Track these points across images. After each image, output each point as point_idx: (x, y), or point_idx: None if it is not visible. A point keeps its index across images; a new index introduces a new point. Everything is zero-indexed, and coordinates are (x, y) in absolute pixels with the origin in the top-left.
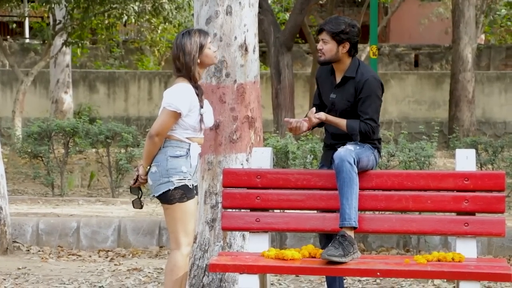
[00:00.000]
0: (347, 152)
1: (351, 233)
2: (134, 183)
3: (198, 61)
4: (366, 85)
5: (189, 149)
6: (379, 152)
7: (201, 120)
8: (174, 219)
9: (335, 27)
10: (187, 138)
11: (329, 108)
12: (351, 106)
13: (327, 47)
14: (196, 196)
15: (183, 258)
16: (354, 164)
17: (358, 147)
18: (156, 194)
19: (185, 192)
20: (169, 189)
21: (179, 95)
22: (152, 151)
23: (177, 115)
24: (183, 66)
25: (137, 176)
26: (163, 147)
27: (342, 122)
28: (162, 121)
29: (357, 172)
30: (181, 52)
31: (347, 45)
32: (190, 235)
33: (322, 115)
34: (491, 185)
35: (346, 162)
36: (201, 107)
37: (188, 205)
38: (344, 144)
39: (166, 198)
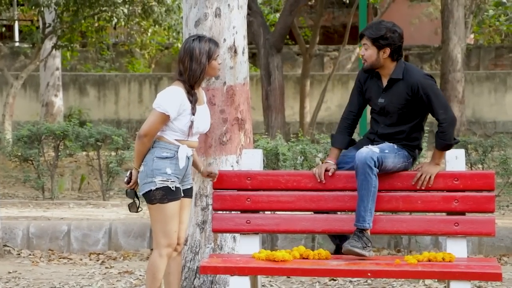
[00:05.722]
0: (368, 154)
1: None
2: (127, 184)
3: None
4: (421, 88)
5: (177, 151)
6: (414, 160)
7: (191, 127)
8: (154, 219)
9: (375, 33)
10: (176, 140)
11: (378, 112)
12: (404, 107)
13: (368, 53)
14: (186, 199)
15: (161, 259)
16: (375, 166)
17: (387, 151)
18: (141, 193)
19: (166, 194)
20: (151, 189)
21: (169, 97)
22: (141, 151)
23: (165, 117)
24: (186, 71)
25: (129, 177)
26: (152, 147)
27: (439, 153)
28: (151, 122)
29: (377, 174)
30: (188, 57)
31: (387, 51)
32: (170, 236)
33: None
34: (481, 185)
35: (366, 165)
36: (193, 114)
37: (168, 207)
38: None
39: (148, 198)
